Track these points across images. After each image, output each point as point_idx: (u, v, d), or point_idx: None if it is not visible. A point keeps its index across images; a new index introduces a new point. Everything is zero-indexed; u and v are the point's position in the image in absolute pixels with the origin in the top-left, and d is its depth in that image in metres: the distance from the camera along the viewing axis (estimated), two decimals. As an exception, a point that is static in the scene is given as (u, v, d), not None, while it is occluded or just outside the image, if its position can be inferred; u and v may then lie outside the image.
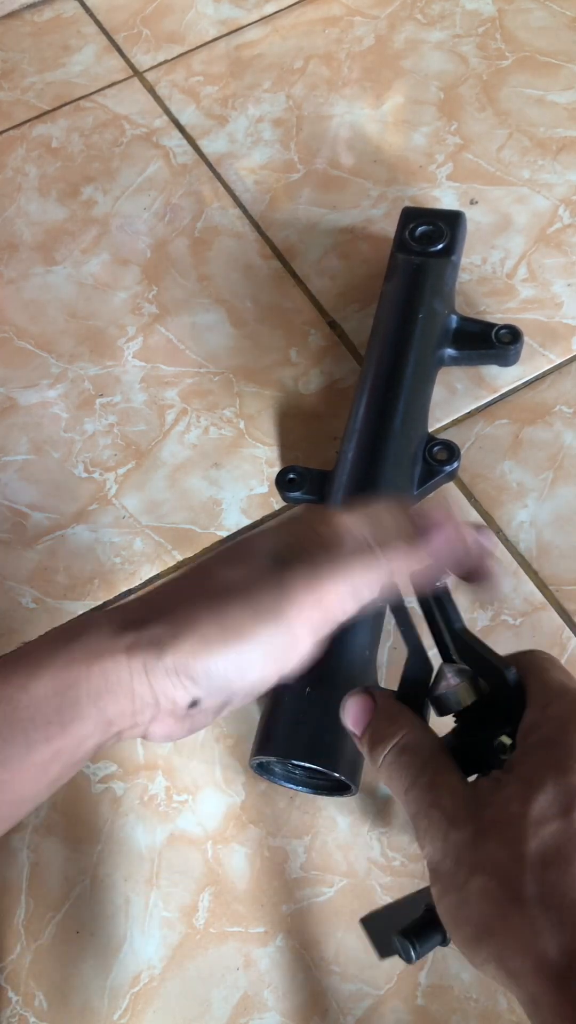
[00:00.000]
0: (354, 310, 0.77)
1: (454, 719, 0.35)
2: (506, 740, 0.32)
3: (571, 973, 0.27)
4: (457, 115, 0.88)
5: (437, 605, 0.37)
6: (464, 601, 0.62)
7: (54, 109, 0.94)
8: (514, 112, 0.87)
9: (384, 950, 0.36)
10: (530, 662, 0.35)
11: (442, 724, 0.36)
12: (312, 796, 0.56)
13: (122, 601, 0.65)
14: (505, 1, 0.96)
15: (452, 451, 0.63)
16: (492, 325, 0.69)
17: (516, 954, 0.28)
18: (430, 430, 0.67)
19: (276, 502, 0.68)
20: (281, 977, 0.52)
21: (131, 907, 0.55)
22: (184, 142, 0.90)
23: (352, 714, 0.36)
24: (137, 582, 0.66)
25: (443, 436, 0.66)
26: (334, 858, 0.55)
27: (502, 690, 0.33)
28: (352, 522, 0.36)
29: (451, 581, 0.38)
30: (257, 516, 0.68)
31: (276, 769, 0.55)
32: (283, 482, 0.65)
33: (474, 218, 0.80)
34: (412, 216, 0.72)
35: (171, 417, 0.73)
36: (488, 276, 0.77)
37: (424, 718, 0.36)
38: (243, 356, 0.75)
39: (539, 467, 0.67)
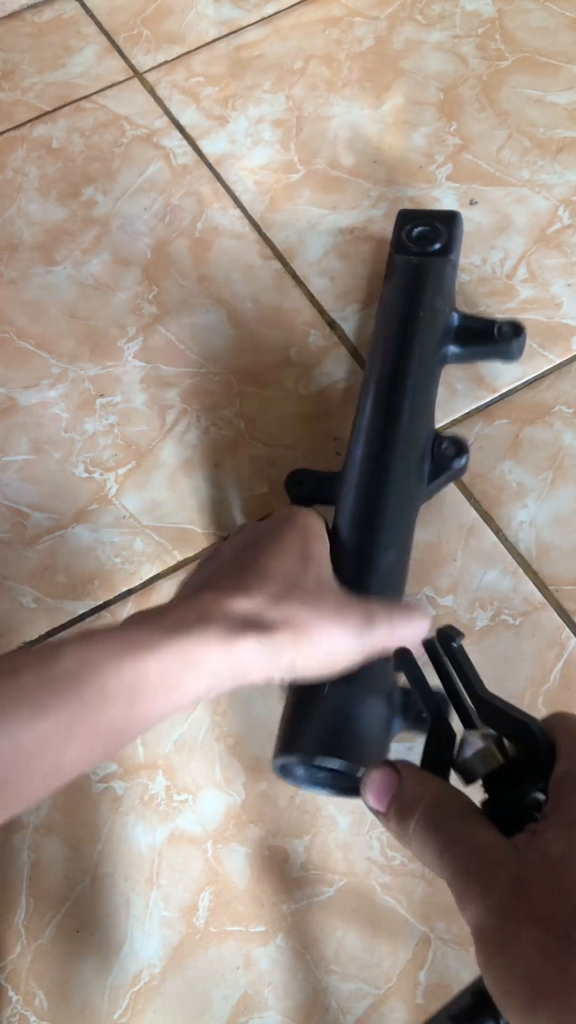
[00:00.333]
0: (354, 310, 0.77)
1: (482, 786, 0.34)
2: (539, 796, 0.32)
3: None
4: (457, 115, 0.88)
5: (455, 668, 0.36)
6: (464, 599, 0.62)
7: (54, 110, 0.94)
8: (514, 112, 0.87)
9: None
10: (556, 720, 0.34)
11: (471, 794, 0.35)
12: (312, 796, 0.56)
13: (121, 601, 0.65)
14: (505, 2, 0.97)
15: (460, 447, 0.63)
16: (494, 321, 0.69)
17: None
18: (430, 430, 0.67)
19: (276, 502, 0.68)
20: (281, 976, 0.52)
21: (131, 906, 0.55)
22: (184, 142, 0.90)
23: (375, 789, 0.34)
24: (137, 582, 0.66)
25: (444, 436, 0.66)
26: (334, 858, 0.55)
27: (531, 747, 0.33)
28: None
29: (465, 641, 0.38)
30: (257, 516, 0.68)
31: (299, 772, 0.54)
32: (292, 485, 0.65)
33: (474, 218, 0.80)
34: (408, 217, 0.72)
35: (171, 417, 0.73)
36: (488, 276, 0.77)
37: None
38: (243, 356, 0.75)
39: (539, 467, 0.67)
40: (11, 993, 0.53)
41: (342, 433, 0.67)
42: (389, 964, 0.52)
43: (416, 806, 0.33)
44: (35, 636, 0.64)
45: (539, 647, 0.60)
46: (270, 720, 0.60)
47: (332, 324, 0.76)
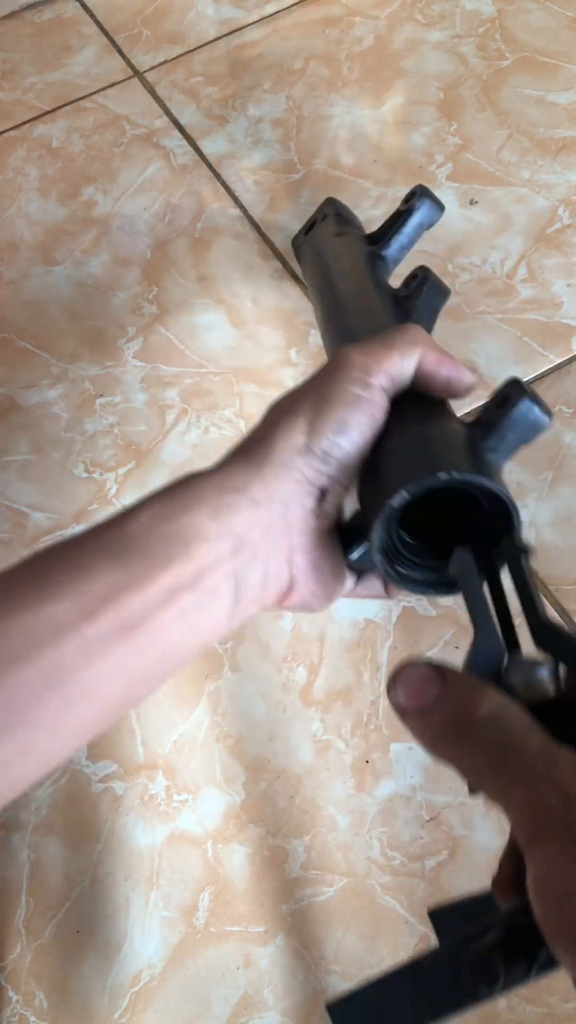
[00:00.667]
0: (354, 310, 0.77)
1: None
2: None
3: None
4: (457, 115, 0.88)
5: (518, 586, 0.31)
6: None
7: (54, 109, 0.94)
8: (514, 112, 0.87)
9: None
10: None
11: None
12: (312, 795, 0.56)
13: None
14: (505, 1, 0.97)
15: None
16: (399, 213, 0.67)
17: None
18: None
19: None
20: (281, 976, 0.52)
21: (131, 907, 0.55)
22: (184, 142, 0.90)
23: (413, 687, 0.29)
24: (137, 582, 0.66)
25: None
26: (334, 858, 0.55)
27: None
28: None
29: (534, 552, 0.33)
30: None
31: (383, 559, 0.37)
32: None
33: (474, 218, 0.80)
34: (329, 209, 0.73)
35: (171, 417, 0.73)
36: (488, 276, 0.77)
37: None
38: (243, 356, 0.75)
39: (539, 467, 0.67)
40: (11, 993, 0.53)
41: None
42: (389, 964, 0.52)
43: (472, 711, 0.28)
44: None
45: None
46: (270, 720, 0.60)
47: (332, 324, 0.76)
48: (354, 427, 0.34)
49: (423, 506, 0.34)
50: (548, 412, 0.37)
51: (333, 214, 0.71)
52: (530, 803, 0.25)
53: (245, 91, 0.93)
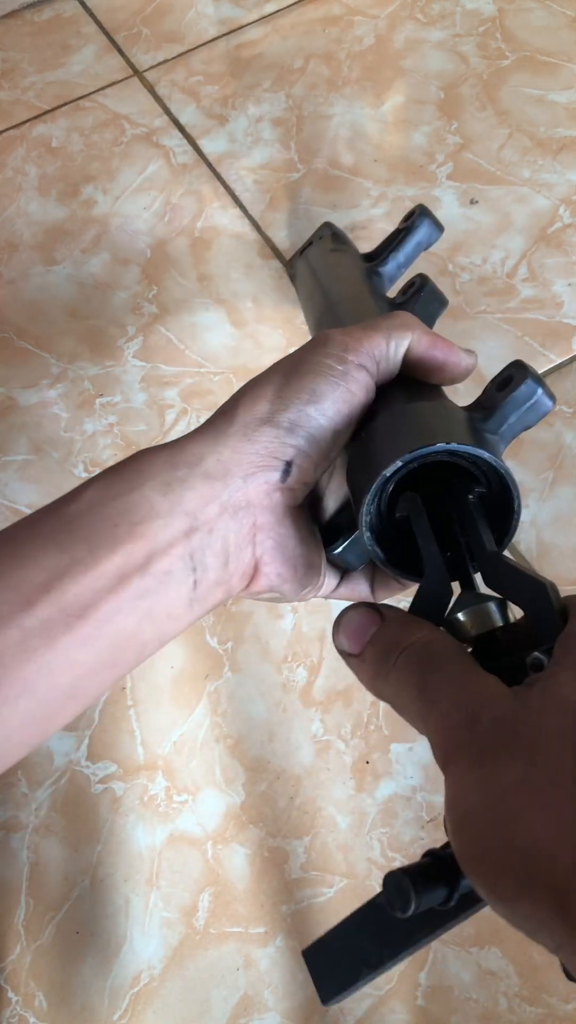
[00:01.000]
0: (354, 310, 0.77)
1: (471, 652, 0.29)
2: (542, 656, 0.27)
3: None
4: (457, 115, 0.88)
5: (464, 522, 0.31)
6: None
7: (54, 109, 0.94)
8: (514, 112, 0.87)
9: (329, 989, 0.27)
10: (572, 600, 0.29)
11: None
12: (312, 796, 0.56)
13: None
14: (505, 1, 0.96)
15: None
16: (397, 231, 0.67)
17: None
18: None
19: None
20: (281, 977, 0.52)
21: (131, 907, 0.55)
22: (184, 142, 0.90)
23: (352, 627, 0.30)
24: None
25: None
26: (334, 858, 0.55)
27: (544, 606, 0.28)
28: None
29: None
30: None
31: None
32: None
33: (474, 218, 0.80)
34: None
35: (171, 417, 0.73)
36: (488, 276, 0.77)
37: None
38: (243, 356, 0.75)
39: (539, 467, 0.67)
40: (11, 994, 0.53)
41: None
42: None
43: (402, 643, 0.28)
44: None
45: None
46: (270, 721, 0.60)
47: (332, 324, 0.76)
48: (326, 398, 0.31)
49: (414, 486, 0.33)
50: (552, 396, 0.35)
51: (330, 235, 0.70)
52: (444, 726, 0.25)
53: (245, 90, 0.93)
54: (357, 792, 0.57)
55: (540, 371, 0.72)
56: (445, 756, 0.25)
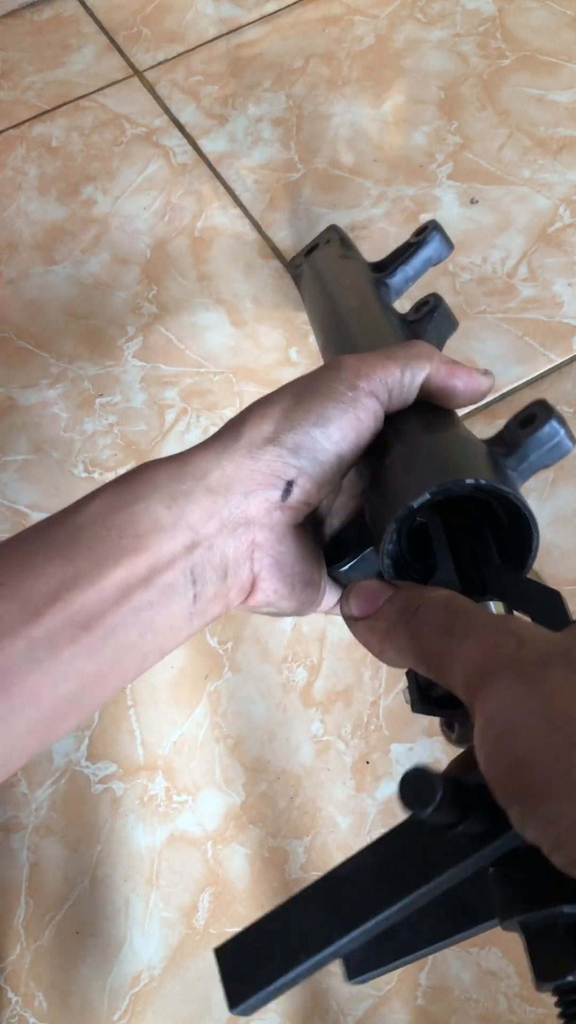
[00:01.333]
0: (354, 310, 0.77)
1: None
2: None
3: None
4: (457, 114, 0.88)
5: (474, 538, 0.32)
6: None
7: (54, 108, 0.94)
8: (514, 111, 0.87)
9: (238, 993, 0.24)
10: None
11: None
12: (312, 796, 0.56)
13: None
14: (505, 0, 0.96)
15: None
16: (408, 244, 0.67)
17: None
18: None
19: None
20: (281, 978, 0.52)
21: (131, 907, 0.55)
22: (184, 141, 0.90)
23: (365, 593, 0.29)
24: (137, 582, 0.66)
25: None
26: (334, 859, 0.55)
27: (555, 620, 0.29)
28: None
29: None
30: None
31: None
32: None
33: (474, 217, 0.80)
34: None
35: (171, 417, 0.73)
36: (488, 276, 0.77)
37: None
38: (243, 356, 0.75)
39: (539, 467, 0.67)
40: (11, 994, 0.53)
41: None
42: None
43: (422, 597, 0.28)
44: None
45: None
46: (270, 721, 0.60)
47: (332, 323, 0.76)
48: (332, 422, 0.32)
49: (428, 521, 0.34)
50: (572, 438, 0.36)
51: (338, 240, 0.70)
52: (483, 650, 0.24)
53: (245, 90, 0.93)
54: (357, 792, 0.57)
55: (540, 371, 0.72)
56: (483, 676, 0.24)
